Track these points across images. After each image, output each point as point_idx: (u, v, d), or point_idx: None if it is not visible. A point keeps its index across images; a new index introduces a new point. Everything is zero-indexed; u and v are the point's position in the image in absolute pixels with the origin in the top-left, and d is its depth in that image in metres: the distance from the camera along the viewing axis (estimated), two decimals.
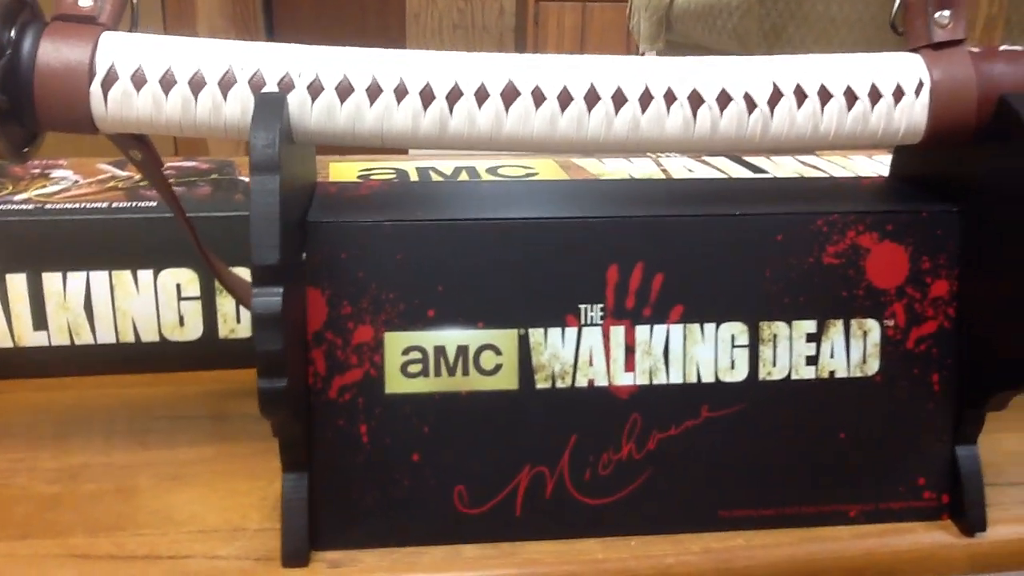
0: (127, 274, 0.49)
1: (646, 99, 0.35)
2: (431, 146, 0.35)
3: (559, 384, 0.37)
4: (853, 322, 0.38)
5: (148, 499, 0.40)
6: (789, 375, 0.38)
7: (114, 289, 0.49)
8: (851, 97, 0.36)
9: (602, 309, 0.37)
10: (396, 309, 0.36)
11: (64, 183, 0.54)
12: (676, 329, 0.37)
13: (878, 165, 0.63)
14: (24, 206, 0.49)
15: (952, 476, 0.39)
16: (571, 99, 0.35)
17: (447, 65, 0.35)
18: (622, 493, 0.38)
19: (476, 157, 0.61)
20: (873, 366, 0.38)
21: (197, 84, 0.33)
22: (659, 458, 0.37)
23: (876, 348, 0.38)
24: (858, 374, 0.38)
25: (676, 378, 0.37)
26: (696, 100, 0.35)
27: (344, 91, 0.34)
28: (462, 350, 0.36)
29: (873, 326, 0.38)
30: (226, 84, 0.33)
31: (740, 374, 0.38)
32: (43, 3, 0.35)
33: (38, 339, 0.49)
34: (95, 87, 0.33)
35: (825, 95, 0.35)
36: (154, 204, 0.50)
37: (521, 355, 0.37)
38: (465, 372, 0.36)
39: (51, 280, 0.48)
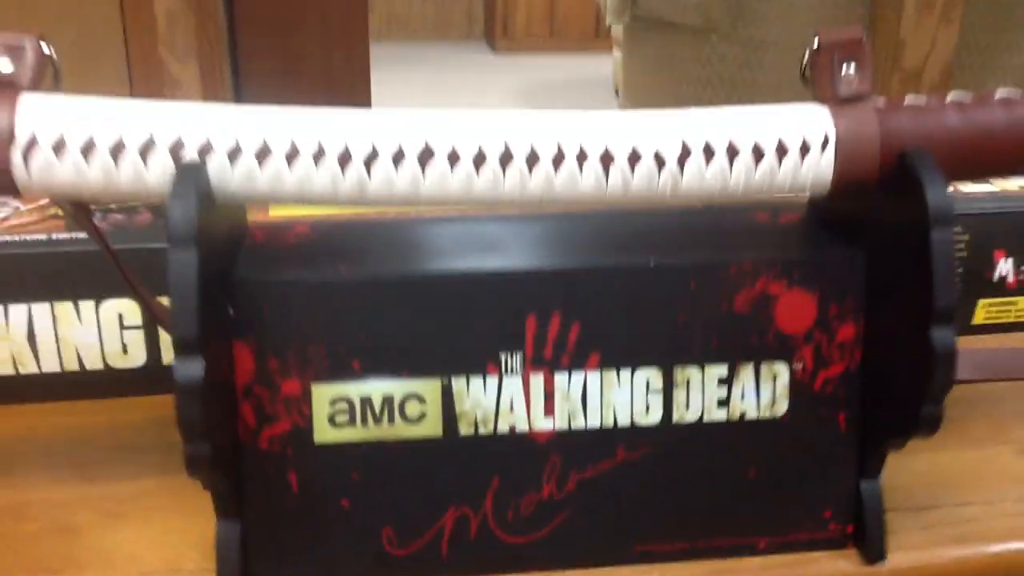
0: (68, 305, 0.50)
1: (559, 160, 0.36)
2: (353, 204, 0.36)
3: (481, 431, 0.38)
4: (763, 366, 0.39)
5: (89, 538, 0.41)
6: (701, 417, 0.40)
7: (56, 320, 0.50)
8: (758, 154, 0.37)
9: (522, 358, 0.38)
10: (322, 362, 0.37)
11: (4, 210, 0.54)
12: (593, 375, 0.39)
13: None
14: None
15: (856, 508, 0.41)
16: (484, 159, 0.36)
17: (364, 126, 0.36)
18: (543, 531, 0.39)
19: None
20: (782, 407, 0.40)
21: (117, 151, 0.34)
22: (578, 498, 0.39)
23: (785, 390, 0.40)
24: (767, 415, 0.40)
25: (594, 422, 0.39)
26: (607, 160, 0.36)
27: (262, 155, 0.35)
28: (387, 400, 0.38)
29: (782, 369, 0.40)
30: (146, 151, 0.34)
31: (655, 417, 0.39)
32: None
33: None
34: (16, 155, 0.34)
35: (733, 152, 0.37)
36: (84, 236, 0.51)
37: (444, 403, 0.38)
38: (391, 421, 0.38)
39: None
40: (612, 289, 0.38)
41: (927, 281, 0.36)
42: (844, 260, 0.39)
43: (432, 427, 0.38)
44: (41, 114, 0.34)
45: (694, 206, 0.41)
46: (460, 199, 0.36)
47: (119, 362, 0.51)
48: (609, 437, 0.39)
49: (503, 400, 0.38)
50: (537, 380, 0.38)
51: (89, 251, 0.50)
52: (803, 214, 0.45)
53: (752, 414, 0.40)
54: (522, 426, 0.39)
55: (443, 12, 4.82)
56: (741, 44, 1.48)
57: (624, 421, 0.39)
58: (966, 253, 0.59)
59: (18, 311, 0.49)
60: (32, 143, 0.34)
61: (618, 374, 0.39)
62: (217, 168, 0.34)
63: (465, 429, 0.38)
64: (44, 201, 0.56)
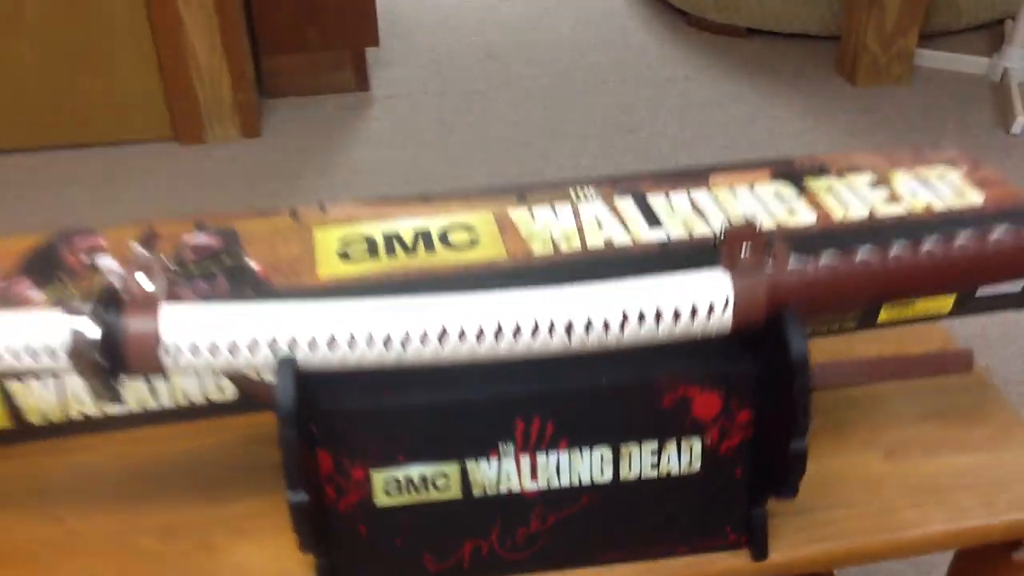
0: None
1: (536, 330, 0.51)
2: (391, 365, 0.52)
3: (488, 492, 0.56)
4: (683, 440, 0.57)
5: (224, 555, 0.61)
6: (640, 476, 0.57)
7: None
8: (678, 315, 0.52)
9: (513, 445, 0.55)
10: (378, 457, 0.55)
11: (114, 279, 0.69)
12: (564, 453, 0.56)
13: (754, 200, 0.78)
14: None
15: (748, 525, 0.59)
16: (483, 334, 0.51)
17: (401, 318, 0.51)
18: (533, 550, 0.58)
19: (431, 217, 0.76)
20: (696, 467, 0.57)
21: (232, 349, 0.50)
22: (555, 529, 0.58)
23: (698, 456, 0.57)
24: (687, 472, 0.57)
25: (564, 483, 0.57)
26: (569, 327, 0.52)
27: (331, 344, 0.50)
28: (423, 478, 0.55)
29: (696, 442, 0.57)
30: (254, 348, 0.50)
31: (607, 477, 0.57)
32: None
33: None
34: (163, 356, 0.49)
35: (659, 315, 0.52)
36: None
37: (462, 477, 0.56)
38: (426, 489, 0.56)
39: None
40: (575, 398, 0.55)
41: (791, 400, 0.52)
42: (742, 372, 0.55)
43: (454, 492, 0.56)
44: (177, 320, 0.50)
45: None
46: (467, 356, 0.52)
47: (216, 396, 0.69)
48: (576, 491, 0.57)
49: (502, 473, 0.56)
50: (525, 459, 0.56)
51: None
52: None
53: (676, 472, 0.57)
54: (516, 488, 0.56)
55: None
56: None
57: (586, 480, 0.57)
58: None
59: None
60: (175, 347, 0.49)
61: (580, 451, 0.56)
62: (303, 356, 0.50)
63: (477, 492, 0.56)
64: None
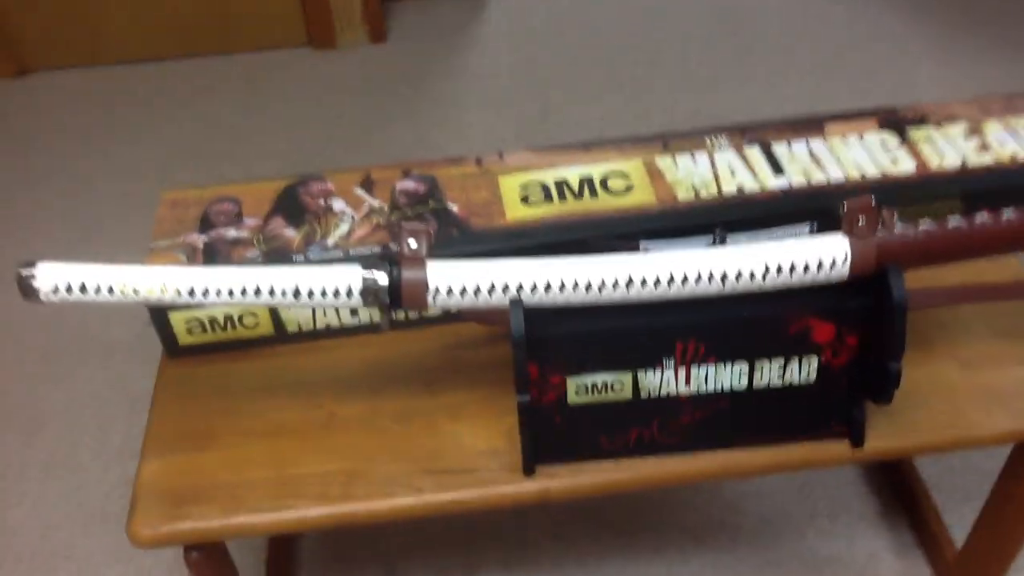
0: None
1: (699, 278, 0.69)
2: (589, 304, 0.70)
3: (652, 394, 0.75)
4: (804, 358, 0.74)
5: (442, 432, 0.81)
6: (768, 384, 0.75)
7: None
8: (806, 268, 0.69)
9: (673, 360, 0.74)
10: (571, 367, 0.73)
11: (346, 220, 0.88)
12: (711, 367, 0.74)
13: (862, 150, 0.91)
14: (335, 252, 0.85)
15: (850, 421, 0.77)
16: (659, 281, 0.69)
17: (597, 271, 0.68)
18: (682, 437, 0.77)
19: (592, 164, 0.92)
20: (813, 378, 0.75)
21: (476, 291, 0.68)
22: (701, 422, 0.77)
23: (815, 370, 0.74)
24: (805, 382, 0.75)
25: (710, 388, 0.75)
26: (724, 276, 0.68)
27: (547, 288, 0.69)
28: (605, 383, 0.74)
29: (814, 360, 0.74)
30: (491, 291, 0.68)
31: (743, 385, 0.75)
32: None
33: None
34: (429, 297, 0.68)
35: (793, 268, 0.69)
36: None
37: (634, 382, 0.74)
38: (605, 392, 0.75)
39: None
40: (722, 326, 0.72)
41: (892, 333, 0.69)
42: (852, 308, 0.72)
43: (627, 394, 0.75)
44: (438, 273, 0.68)
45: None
46: (647, 298, 0.70)
47: (430, 314, 0.88)
48: (718, 395, 0.75)
49: (664, 380, 0.74)
50: (681, 370, 0.74)
51: None
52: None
53: (796, 382, 0.75)
54: (673, 391, 0.75)
55: None
56: None
57: (727, 387, 0.75)
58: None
59: None
60: (436, 290, 0.68)
61: (724, 365, 0.74)
62: (525, 297, 0.69)
63: (643, 394, 0.75)
64: (363, 207, 0.90)
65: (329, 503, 0.77)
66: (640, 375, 0.74)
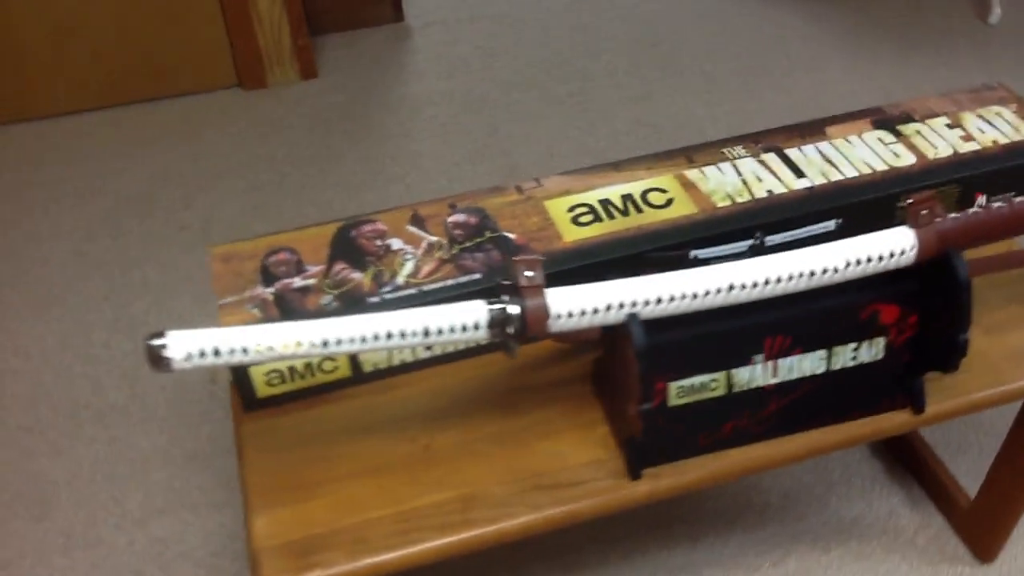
0: None
1: (789, 278, 0.75)
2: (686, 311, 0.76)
3: (743, 388, 0.81)
4: (874, 340, 0.82)
5: (543, 452, 0.85)
6: (843, 366, 0.82)
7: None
8: (880, 258, 0.76)
9: (762, 355, 0.80)
10: (673, 372, 0.79)
11: (409, 257, 0.91)
12: (795, 357, 0.81)
13: (866, 148, 1.01)
14: (408, 291, 0.87)
15: (911, 392, 0.85)
16: (756, 284, 0.75)
17: (697, 281, 0.74)
18: (770, 424, 0.84)
19: (626, 183, 0.98)
20: (880, 355, 0.83)
21: (595, 311, 0.73)
22: (786, 408, 0.83)
23: (882, 348, 0.82)
24: (873, 360, 0.83)
25: (794, 376, 0.82)
26: (812, 273, 0.75)
27: (658, 303, 0.74)
28: (702, 383, 0.80)
29: (881, 340, 0.82)
30: (608, 310, 0.73)
31: (822, 369, 0.82)
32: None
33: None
34: (551, 323, 0.72)
35: (869, 259, 0.76)
36: (479, 276, 0.88)
37: (727, 380, 0.80)
38: (702, 392, 0.80)
39: None
40: (805, 318, 0.79)
41: (960, 309, 0.77)
42: (912, 291, 0.80)
43: (721, 391, 0.81)
44: (558, 299, 0.72)
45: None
46: (734, 298, 0.76)
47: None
48: (801, 381, 0.82)
49: (754, 374, 0.81)
50: (769, 364, 0.81)
51: (476, 290, 0.87)
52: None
53: (866, 360, 0.83)
54: (762, 383, 0.82)
55: None
56: None
57: (808, 373, 0.82)
58: (958, 196, 0.99)
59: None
60: (557, 315, 0.72)
61: (807, 353, 0.81)
62: (641, 310, 0.74)
63: (736, 389, 0.81)
64: (422, 242, 0.92)
65: (454, 531, 0.79)
66: (733, 372, 0.81)
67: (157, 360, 0.68)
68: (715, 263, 0.92)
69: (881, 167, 0.99)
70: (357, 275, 0.91)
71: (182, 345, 0.68)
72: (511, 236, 0.94)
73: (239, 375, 0.87)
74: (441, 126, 1.95)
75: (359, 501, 0.82)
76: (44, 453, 1.34)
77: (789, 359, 0.81)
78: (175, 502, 1.28)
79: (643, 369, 0.73)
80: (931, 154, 1.00)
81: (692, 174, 0.99)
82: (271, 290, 0.89)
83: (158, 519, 1.26)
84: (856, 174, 0.98)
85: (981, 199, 1.00)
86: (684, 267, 0.90)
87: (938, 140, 1.02)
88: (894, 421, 0.87)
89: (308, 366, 0.89)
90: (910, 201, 0.76)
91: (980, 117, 1.06)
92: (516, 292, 0.73)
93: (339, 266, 0.92)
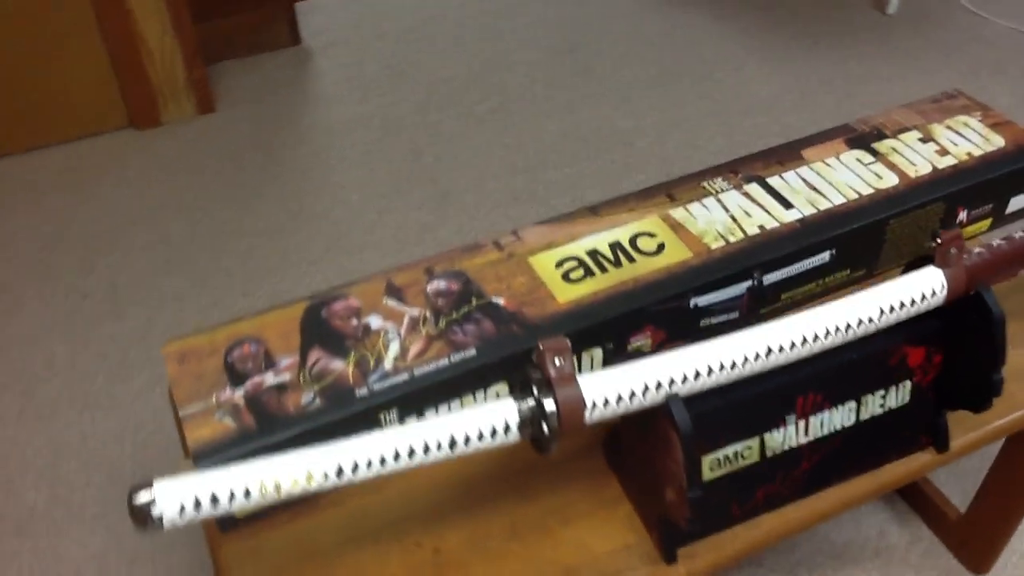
0: (469, 398, 0.81)
1: (817, 337, 0.70)
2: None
3: (776, 451, 0.76)
4: (901, 384, 0.78)
5: (565, 540, 0.77)
6: (873, 415, 0.78)
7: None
8: (912, 303, 0.72)
9: (794, 415, 0.75)
10: (705, 445, 0.73)
11: (392, 336, 0.81)
12: (826, 412, 0.76)
13: (846, 170, 0.97)
14: (400, 377, 0.78)
15: (935, 431, 0.82)
16: (784, 348, 0.69)
17: (728, 351, 0.68)
18: (802, 484, 0.79)
19: (610, 228, 0.91)
20: (907, 399, 0.79)
21: (637, 395, 0.66)
22: (818, 464, 0.78)
23: (909, 391, 0.79)
24: (901, 404, 0.79)
25: (826, 432, 0.77)
26: (847, 327, 0.70)
27: (695, 379, 0.67)
28: (736, 453, 0.74)
29: (908, 383, 0.78)
30: (646, 391, 0.66)
31: (852, 421, 0.78)
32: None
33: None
34: (586, 414, 0.65)
35: (902, 304, 0.72)
36: (474, 352, 0.80)
37: (760, 446, 0.75)
38: (736, 462, 0.75)
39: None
40: (835, 372, 0.74)
41: (993, 347, 0.74)
42: (936, 331, 0.76)
43: (754, 457, 0.75)
44: (591, 387, 0.65)
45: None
46: (774, 364, 0.70)
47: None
48: (832, 436, 0.78)
49: (787, 436, 0.76)
50: (801, 422, 0.76)
51: (484, 364, 0.79)
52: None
53: (894, 405, 0.79)
54: (794, 443, 0.76)
55: None
56: None
57: (838, 427, 0.77)
58: (943, 213, 0.96)
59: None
60: (593, 405, 0.65)
61: (836, 407, 0.76)
62: (680, 389, 0.67)
63: (768, 453, 0.76)
64: (401, 316, 0.83)
65: None
66: (767, 436, 0.75)
67: (145, 520, 0.57)
68: (716, 308, 0.88)
69: (867, 191, 0.95)
70: (338, 364, 0.81)
71: (173, 498, 0.58)
72: (500, 302, 0.85)
73: None
74: (360, 154, 1.84)
75: None
76: None
77: (820, 415, 0.76)
78: None
79: (688, 453, 0.67)
80: (912, 172, 0.97)
81: (678, 214, 0.93)
82: (241, 392, 0.79)
83: None
84: (843, 200, 0.94)
85: (963, 214, 0.98)
86: (686, 318, 0.86)
87: (915, 157, 0.99)
88: (920, 461, 0.83)
89: None
90: (938, 241, 0.72)
91: (950, 128, 1.04)
92: (546, 384, 0.65)
93: (314, 355, 0.82)
